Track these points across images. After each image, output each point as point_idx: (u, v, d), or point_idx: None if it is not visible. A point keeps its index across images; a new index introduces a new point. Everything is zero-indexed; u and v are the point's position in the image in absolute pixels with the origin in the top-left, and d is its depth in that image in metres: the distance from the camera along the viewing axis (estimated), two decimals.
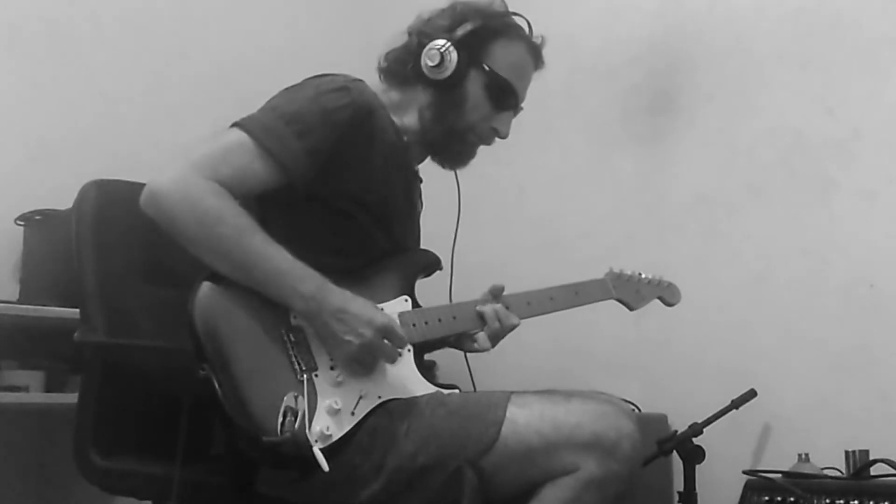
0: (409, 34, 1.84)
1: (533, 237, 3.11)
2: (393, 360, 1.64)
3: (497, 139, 1.87)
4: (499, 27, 1.82)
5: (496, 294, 1.83)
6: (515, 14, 1.85)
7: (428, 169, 1.93)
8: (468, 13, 1.81)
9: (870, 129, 2.56)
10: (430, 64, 1.77)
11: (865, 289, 2.51)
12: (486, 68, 1.80)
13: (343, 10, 3.57)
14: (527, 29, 1.86)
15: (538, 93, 1.91)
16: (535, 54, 1.87)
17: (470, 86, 1.80)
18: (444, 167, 1.90)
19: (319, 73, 1.76)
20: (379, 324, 1.60)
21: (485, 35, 1.80)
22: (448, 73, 1.77)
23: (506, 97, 1.83)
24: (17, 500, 2.73)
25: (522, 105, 1.88)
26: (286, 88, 1.73)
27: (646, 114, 2.97)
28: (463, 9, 1.82)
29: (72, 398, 1.83)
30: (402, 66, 1.83)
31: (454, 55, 1.76)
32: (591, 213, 3.03)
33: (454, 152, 1.86)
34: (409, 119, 1.84)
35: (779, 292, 2.64)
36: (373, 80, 1.84)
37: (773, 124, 2.71)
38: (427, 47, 1.78)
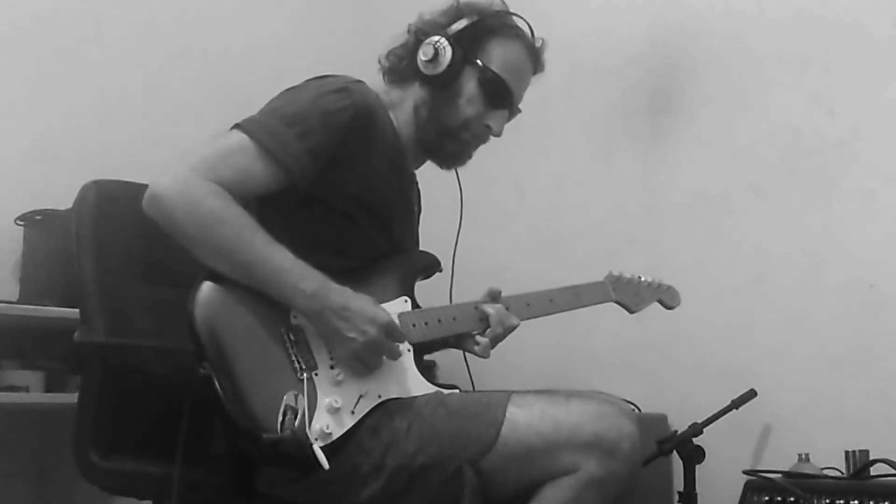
0: (409, 32, 1.84)
1: (533, 238, 3.11)
2: (396, 357, 1.64)
3: (493, 138, 1.85)
4: (495, 25, 1.82)
5: (494, 297, 1.83)
6: (516, 15, 1.84)
7: (429, 171, 1.92)
8: (466, 10, 1.81)
9: (870, 129, 2.56)
10: (424, 59, 1.77)
11: (865, 289, 2.51)
12: (480, 64, 1.79)
13: (343, 10, 3.57)
14: (527, 31, 1.86)
15: (538, 93, 1.91)
16: (533, 56, 1.86)
17: (464, 81, 1.79)
18: (441, 167, 1.90)
19: (320, 73, 1.76)
20: (382, 321, 1.60)
21: (480, 31, 1.80)
22: (442, 68, 1.76)
23: (500, 94, 1.81)
24: (17, 500, 2.73)
25: (520, 108, 1.87)
26: (287, 90, 1.73)
27: (646, 114, 2.97)
28: (462, 7, 1.82)
29: (72, 398, 1.83)
30: (400, 64, 1.83)
31: (448, 50, 1.76)
32: (591, 214, 3.02)
33: (449, 151, 1.85)
34: (405, 117, 1.83)
35: (779, 292, 2.64)
36: (374, 81, 1.83)
37: (773, 124, 2.71)
38: (423, 43, 1.78)
